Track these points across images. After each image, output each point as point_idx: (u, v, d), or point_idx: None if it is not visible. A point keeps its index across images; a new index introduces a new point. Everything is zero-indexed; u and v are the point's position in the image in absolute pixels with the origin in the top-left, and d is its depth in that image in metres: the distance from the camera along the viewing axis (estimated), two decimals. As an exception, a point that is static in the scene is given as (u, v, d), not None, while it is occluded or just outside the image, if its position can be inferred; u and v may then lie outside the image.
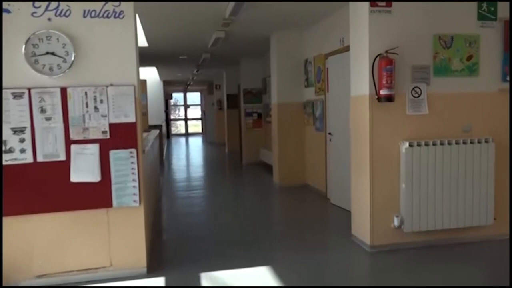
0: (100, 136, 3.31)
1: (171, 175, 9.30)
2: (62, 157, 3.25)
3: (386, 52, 3.79)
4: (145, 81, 8.83)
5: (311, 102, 6.78)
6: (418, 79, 3.94)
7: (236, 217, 5.46)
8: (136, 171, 3.38)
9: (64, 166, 3.25)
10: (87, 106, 3.28)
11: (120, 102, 3.34)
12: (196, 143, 18.14)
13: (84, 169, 3.27)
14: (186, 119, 24.01)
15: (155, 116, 15.39)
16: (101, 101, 3.30)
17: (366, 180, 3.96)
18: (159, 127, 11.85)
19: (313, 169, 6.90)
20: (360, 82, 4.03)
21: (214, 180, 8.46)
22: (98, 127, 3.31)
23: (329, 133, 5.97)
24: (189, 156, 13.45)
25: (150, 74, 14.35)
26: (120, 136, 3.34)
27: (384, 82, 3.74)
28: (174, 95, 23.88)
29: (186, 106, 24.00)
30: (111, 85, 3.33)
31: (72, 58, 3.23)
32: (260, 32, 7.09)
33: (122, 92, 3.34)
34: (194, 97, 24.60)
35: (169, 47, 8.32)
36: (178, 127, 25.04)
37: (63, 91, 3.25)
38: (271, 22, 6.36)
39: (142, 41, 7.72)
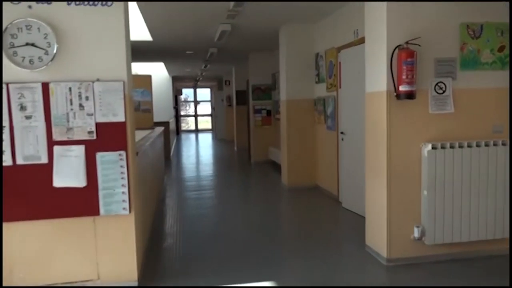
0: (85, 136, 2.98)
1: (177, 174, 9.00)
2: (44, 160, 2.93)
3: (407, 43, 3.38)
4: (149, 76, 8.53)
5: (322, 99, 6.37)
6: (443, 73, 3.52)
7: (242, 222, 5.11)
8: (126, 176, 3.04)
9: (46, 170, 2.93)
10: (71, 104, 2.95)
11: (108, 99, 3.00)
12: (205, 140, 17.84)
13: (68, 173, 2.94)
14: (196, 115, 23.74)
15: (163, 112, 15.11)
16: (87, 98, 2.97)
17: (383, 186, 3.56)
18: (166, 123, 11.58)
19: (324, 170, 6.51)
20: (376, 77, 3.62)
21: (221, 180, 8.12)
22: (84, 127, 2.97)
23: (342, 132, 5.56)
24: (197, 153, 13.14)
25: (158, 70, 14.06)
26: (108, 137, 3.01)
27: (404, 77, 3.33)
28: (184, 91, 23.63)
29: (196, 102, 23.73)
30: (98, 80, 2.99)
31: (55, 50, 2.90)
32: (268, 26, 6.70)
33: (110, 88, 3.00)
34: (205, 93, 24.34)
35: (174, 42, 7.99)
36: (189, 123, 24.81)
37: (45, 86, 2.92)
38: (280, 15, 5.96)
39: (146, 35, 7.41)
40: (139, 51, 9.13)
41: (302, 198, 6.27)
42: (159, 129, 7.68)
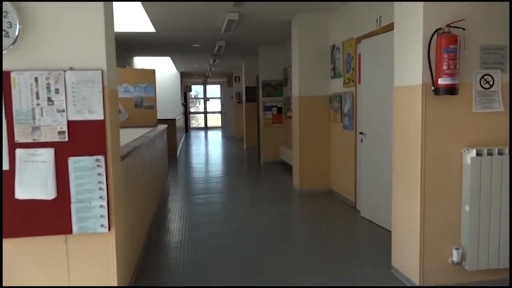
0: (55, 138, 2.44)
1: (182, 175, 8.48)
2: (5, 166, 2.42)
3: (448, 26, 2.78)
4: (153, 71, 8.00)
5: (339, 95, 5.78)
6: (490, 64, 2.92)
7: (251, 233, 4.56)
8: (104, 186, 2.51)
9: (6, 178, 2.41)
10: (37, 98, 2.42)
11: (83, 93, 2.46)
12: (214, 138, 17.33)
13: (33, 182, 2.42)
14: (205, 112, 23.26)
15: (171, 109, 14.67)
16: (57, 90, 2.44)
17: (415, 199, 2.97)
18: (172, 121, 11.08)
19: (339, 173, 5.92)
20: (408, 68, 3.02)
21: (228, 183, 7.57)
22: (53, 126, 2.44)
23: (361, 133, 4.96)
24: (204, 152, 12.62)
25: (166, 65, 13.59)
26: (83, 138, 2.47)
27: (444, 67, 2.73)
28: (194, 87, 23.14)
29: (206, 99, 23.23)
30: (71, 69, 2.45)
31: (17, 32, 2.37)
32: (279, 16, 6.12)
33: (85, 79, 2.46)
34: (215, 90, 23.84)
35: (179, 33, 7.46)
36: (198, 120, 24.35)
37: (6, 76, 2.40)
38: (292, 3, 5.37)
39: (148, 27, 6.89)
40: (142, 44, 8.62)
41: (316, 204, 5.69)
42: (162, 127, 7.16)
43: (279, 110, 9.40)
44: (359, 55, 5.05)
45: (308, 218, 5.11)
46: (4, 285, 2.50)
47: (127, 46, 8.83)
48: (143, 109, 7.83)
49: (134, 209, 3.50)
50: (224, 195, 6.40)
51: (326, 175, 6.26)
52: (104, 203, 2.51)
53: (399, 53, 3.19)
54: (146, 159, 4.48)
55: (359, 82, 5.09)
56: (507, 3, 2.87)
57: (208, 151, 12.92)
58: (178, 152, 11.65)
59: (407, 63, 3.04)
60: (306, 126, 6.20)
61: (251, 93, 12.16)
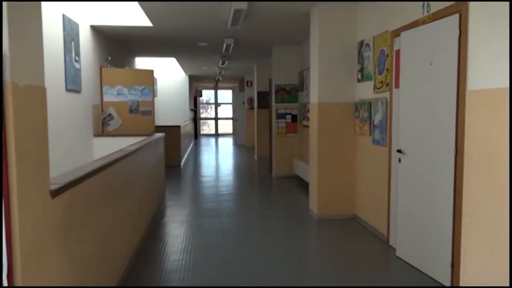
0: None
1: (183, 191, 7.51)
2: None
3: None
4: (151, 71, 7.07)
5: (368, 102, 4.73)
6: None
7: (258, 275, 3.53)
8: (2, 241, 1.52)
9: None
10: None
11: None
12: (224, 146, 16.38)
13: None
14: (216, 118, 22.34)
15: (179, 114, 13.80)
16: None
17: (502, 253, 1.91)
18: (175, 128, 10.15)
19: (367, 197, 4.86)
20: (496, 63, 1.97)
21: (234, 203, 6.54)
22: None
23: (399, 151, 3.89)
24: (211, 162, 11.64)
25: (173, 68, 12.73)
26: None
27: None
28: (205, 92, 22.27)
29: (217, 104, 22.33)
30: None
31: None
32: (296, 6, 5.12)
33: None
34: (226, 95, 22.96)
35: (180, 28, 6.51)
36: (210, 126, 23.45)
37: None
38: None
39: (144, 20, 5.96)
40: (141, 42, 7.71)
41: (338, 235, 4.63)
42: (158, 136, 6.20)
43: (294, 118, 8.37)
44: (397, 51, 4.01)
45: (330, 255, 4.05)
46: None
47: (125, 44, 7.93)
48: (139, 115, 6.90)
49: (88, 260, 2.50)
50: (229, 221, 5.36)
51: (350, 199, 5.20)
52: (4, 258, 1.52)
53: (481, 43, 2.14)
54: (120, 180, 3.49)
55: (396, 86, 4.04)
56: None
57: (216, 161, 11.94)
58: (182, 162, 10.72)
59: (493, 56, 1.99)
60: (327, 139, 5.15)
61: (263, 99, 11.18)
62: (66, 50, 4.90)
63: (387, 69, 4.28)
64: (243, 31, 6.49)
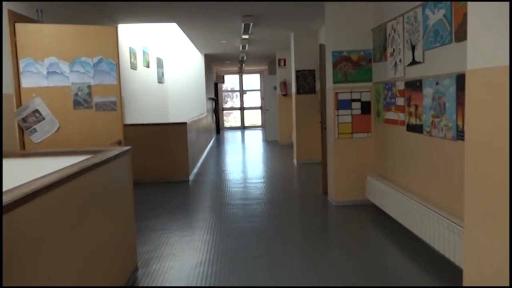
0: None
1: (185, 226, 4.37)
2: None
3: None
4: (115, 28, 3.77)
5: None
6: None
7: None
8: None
9: None
10: None
11: None
12: (252, 143, 13.21)
13: None
14: (242, 108, 19.16)
15: (192, 106, 10.74)
16: None
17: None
18: (181, 125, 6.99)
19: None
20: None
21: (259, 274, 3.33)
22: None
23: None
24: (233, 169, 8.33)
25: (185, 46, 9.64)
26: None
27: None
28: (228, 78, 19.09)
29: (242, 92, 19.13)
30: None
31: None
32: None
33: None
34: (254, 81, 19.77)
35: None
36: (235, 118, 20.36)
37: None
38: None
39: None
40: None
41: None
42: (116, 152, 3.02)
43: (365, 107, 5.04)
44: None
45: None
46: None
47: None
48: (92, 111, 3.78)
49: None
50: None
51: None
52: None
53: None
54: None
55: None
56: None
57: (240, 167, 8.69)
58: (193, 174, 7.63)
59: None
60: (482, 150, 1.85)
61: (306, 80, 7.89)
62: None
63: None
64: None
